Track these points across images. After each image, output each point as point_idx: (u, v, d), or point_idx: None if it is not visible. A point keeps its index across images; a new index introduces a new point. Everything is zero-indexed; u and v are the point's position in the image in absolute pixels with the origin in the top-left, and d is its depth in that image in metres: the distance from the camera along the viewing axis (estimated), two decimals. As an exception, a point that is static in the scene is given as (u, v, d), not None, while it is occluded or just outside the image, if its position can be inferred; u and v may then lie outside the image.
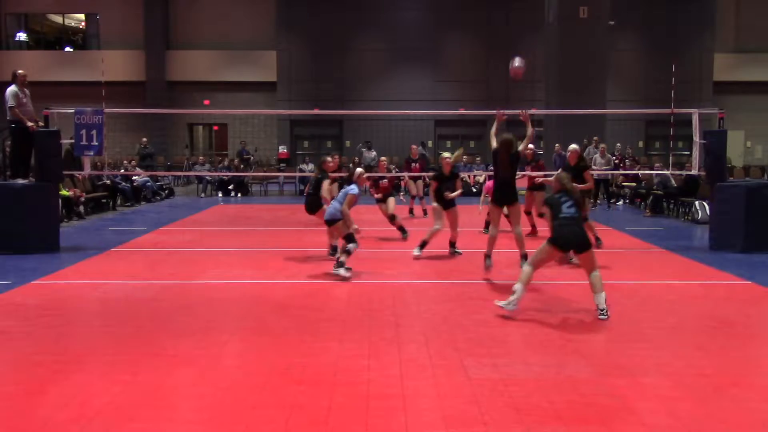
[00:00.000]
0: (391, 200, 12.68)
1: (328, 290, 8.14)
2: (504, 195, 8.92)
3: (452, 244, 10.56)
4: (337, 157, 11.88)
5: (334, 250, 9.64)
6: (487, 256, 8.95)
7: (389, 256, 10.59)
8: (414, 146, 17.20)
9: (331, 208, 9.07)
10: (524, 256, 8.62)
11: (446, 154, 10.61)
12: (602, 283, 6.91)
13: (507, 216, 9.40)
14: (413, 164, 16.36)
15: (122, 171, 20.67)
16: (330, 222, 9.03)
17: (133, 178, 19.76)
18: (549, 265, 9.62)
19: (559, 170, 9.64)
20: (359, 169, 9.27)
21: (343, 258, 8.81)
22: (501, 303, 6.89)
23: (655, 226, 14.45)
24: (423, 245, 10.27)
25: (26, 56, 30.76)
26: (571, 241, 6.89)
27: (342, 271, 8.71)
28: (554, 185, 7.38)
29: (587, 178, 10.47)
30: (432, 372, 5.25)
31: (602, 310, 6.81)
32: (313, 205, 10.59)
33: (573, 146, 11.70)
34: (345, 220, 8.79)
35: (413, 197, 16.46)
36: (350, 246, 8.79)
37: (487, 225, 11.71)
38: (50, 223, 11.02)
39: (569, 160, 11.76)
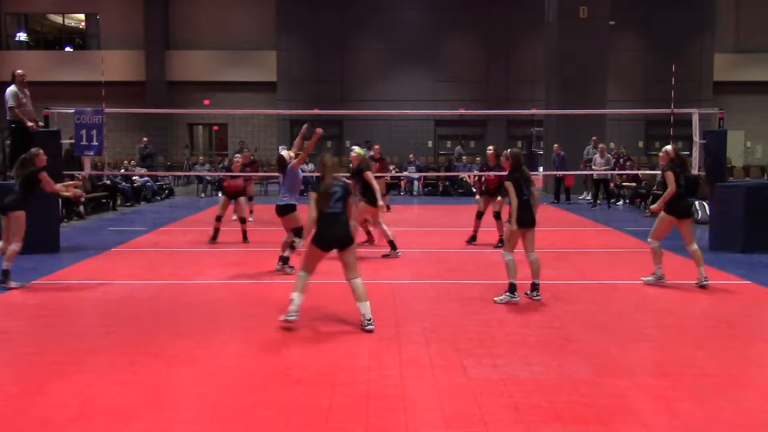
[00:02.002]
0: (241, 200, 12.36)
1: (327, 290, 8.13)
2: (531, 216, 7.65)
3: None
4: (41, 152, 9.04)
5: (285, 261, 9.13)
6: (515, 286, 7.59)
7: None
8: (377, 146, 17.95)
9: (282, 197, 8.99)
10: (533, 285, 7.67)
11: (356, 149, 10.45)
12: (365, 291, 6.43)
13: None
14: (374, 163, 17.06)
15: (122, 171, 20.67)
16: (285, 211, 8.90)
17: (134, 178, 19.75)
18: (548, 266, 9.66)
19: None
20: (286, 152, 9.24)
21: (287, 253, 8.85)
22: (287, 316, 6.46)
23: (655, 226, 14.41)
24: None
25: (26, 56, 30.76)
26: (333, 239, 6.40)
27: (287, 269, 8.80)
28: (320, 170, 6.66)
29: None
30: (432, 372, 5.24)
31: (369, 320, 6.33)
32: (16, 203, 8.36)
33: (489, 148, 11.83)
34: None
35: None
36: (297, 241, 8.77)
37: None
38: (50, 223, 11.02)
39: (489, 160, 11.78)
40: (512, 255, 7.46)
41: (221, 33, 30.60)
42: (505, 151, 7.99)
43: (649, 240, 8.63)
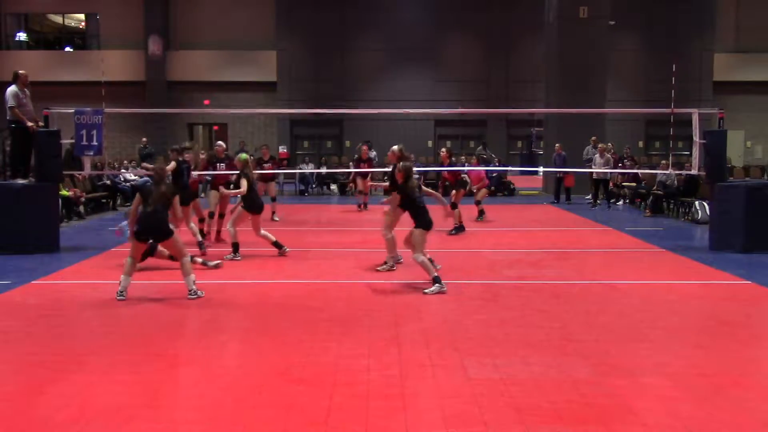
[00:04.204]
0: (198, 201, 12.14)
1: (328, 290, 8.14)
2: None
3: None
4: None
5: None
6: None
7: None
8: (365, 147, 18.43)
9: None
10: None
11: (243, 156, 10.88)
12: (190, 268, 7.74)
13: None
14: (362, 163, 17.94)
15: (122, 171, 20.60)
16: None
17: (127, 176, 19.58)
18: (548, 266, 9.66)
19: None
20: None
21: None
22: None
23: (655, 226, 14.45)
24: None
25: (26, 56, 30.76)
26: (149, 231, 7.62)
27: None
28: (155, 173, 7.96)
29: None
30: (432, 372, 5.24)
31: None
32: None
33: (443, 149, 11.87)
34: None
35: (361, 193, 17.71)
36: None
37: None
38: (50, 223, 11.01)
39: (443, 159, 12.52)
40: (424, 256, 8.08)
41: (221, 33, 30.59)
42: (398, 165, 8.57)
43: (383, 232, 9.22)
